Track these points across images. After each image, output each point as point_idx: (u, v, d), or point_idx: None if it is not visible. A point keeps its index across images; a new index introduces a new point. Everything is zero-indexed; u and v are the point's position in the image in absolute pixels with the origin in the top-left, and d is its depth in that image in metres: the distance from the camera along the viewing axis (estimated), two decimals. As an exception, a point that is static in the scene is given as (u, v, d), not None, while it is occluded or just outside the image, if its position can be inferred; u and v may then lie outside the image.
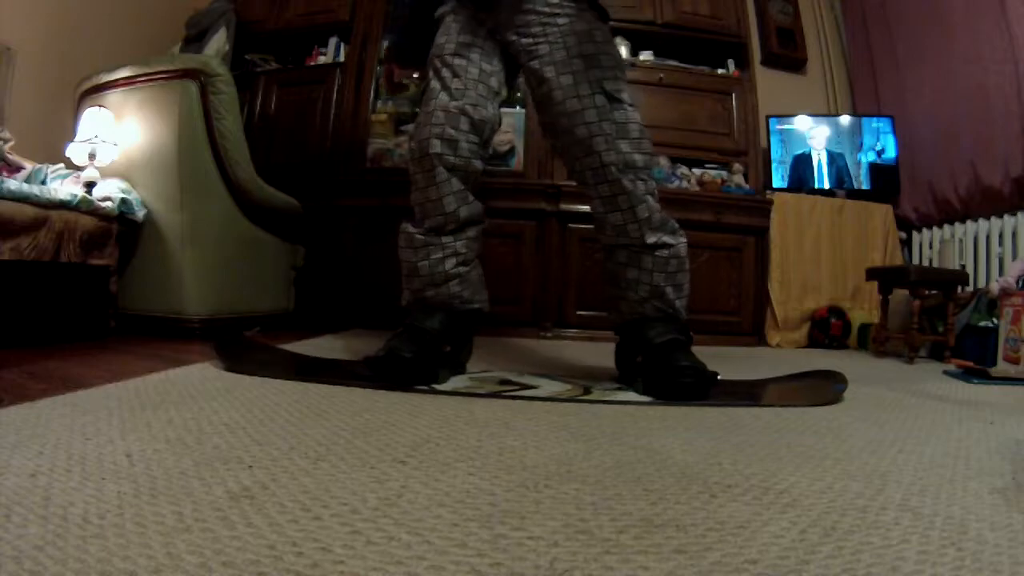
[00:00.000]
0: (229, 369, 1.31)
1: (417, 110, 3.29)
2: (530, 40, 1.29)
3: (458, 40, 1.29)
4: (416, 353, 1.20)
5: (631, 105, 1.27)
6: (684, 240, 1.32)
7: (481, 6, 1.30)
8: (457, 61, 1.27)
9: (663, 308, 1.29)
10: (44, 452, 0.67)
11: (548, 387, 1.28)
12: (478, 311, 1.36)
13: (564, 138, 1.29)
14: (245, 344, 1.67)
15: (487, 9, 1.30)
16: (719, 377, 1.21)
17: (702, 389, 1.19)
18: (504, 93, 1.34)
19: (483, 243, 1.37)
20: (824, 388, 1.31)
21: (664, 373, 1.20)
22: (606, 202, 1.28)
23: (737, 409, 1.12)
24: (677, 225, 1.32)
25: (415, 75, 2.80)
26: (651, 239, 1.27)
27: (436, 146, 1.23)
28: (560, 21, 1.28)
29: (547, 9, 1.27)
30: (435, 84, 1.28)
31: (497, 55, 1.31)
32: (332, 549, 0.46)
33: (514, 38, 1.30)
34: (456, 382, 1.26)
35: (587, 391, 1.24)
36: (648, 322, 1.29)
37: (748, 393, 1.34)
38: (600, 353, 2.13)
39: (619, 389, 1.28)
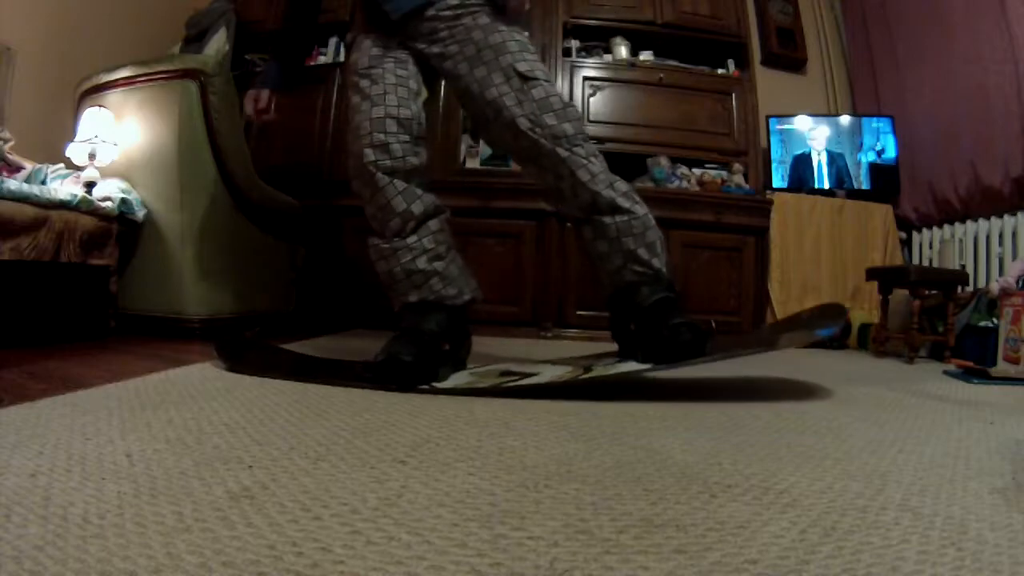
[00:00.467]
0: (229, 369, 1.31)
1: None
2: (440, 45, 1.34)
3: (371, 54, 1.33)
4: (415, 355, 1.20)
5: (547, 80, 1.31)
6: (645, 209, 1.33)
7: (387, 30, 1.34)
8: (374, 72, 1.31)
9: (642, 271, 1.30)
10: (44, 452, 0.67)
11: (549, 372, 1.28)
12: (471, 302, 1.35)
13: (494, 128, 1.32)
14: (245, 344, 1.67)
15: (392, 33, 1.34)
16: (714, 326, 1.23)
17: (699, 345, 1.21)
18: (424, 94, 1.38)
19: (451, 233, 1.37)
20: (815, 323, 1.33)
21: (660, 335, 1.21)
22: (550, 175, 1.31)
23: (737, 409, 1.12)
24: (637, 196, 1.34)
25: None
26: (604, 194, 1.28)
27: (369, 155, 1.27)
28: (464, 21, 1.33)
29: (449, 13, 1.32)
30: (356, 98, 1.32)
31: (411, 61, 1.36)
32: (332, 549, 0.46)
33: (423, 46, 1.35)
34: (457, 379, 1.26)
35: (588, 370, 1.25)
36: (633, 288, 1.30)
37: (741, 343, 1.36)
38: (599, 350, 2.13)
39: (619, 362, 1.28)
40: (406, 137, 1.29)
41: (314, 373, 1.29)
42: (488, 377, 1.27)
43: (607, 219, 1.29)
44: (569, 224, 1.40)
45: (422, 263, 1.28)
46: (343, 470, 0.65)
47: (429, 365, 1.22)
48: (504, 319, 2.75)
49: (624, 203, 1.29)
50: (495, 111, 1.29)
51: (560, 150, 1.27)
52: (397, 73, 1.32)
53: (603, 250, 1.32)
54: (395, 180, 1.28)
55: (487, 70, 1.29)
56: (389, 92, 1.29)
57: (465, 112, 1.40)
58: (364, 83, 1.31)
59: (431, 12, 1.32)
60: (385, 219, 1.29)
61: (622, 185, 1.32)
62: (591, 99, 3.06)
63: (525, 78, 1.28)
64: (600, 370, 1.23)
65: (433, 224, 1.31)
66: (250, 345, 1.68)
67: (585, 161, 1.28)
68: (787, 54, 3.44)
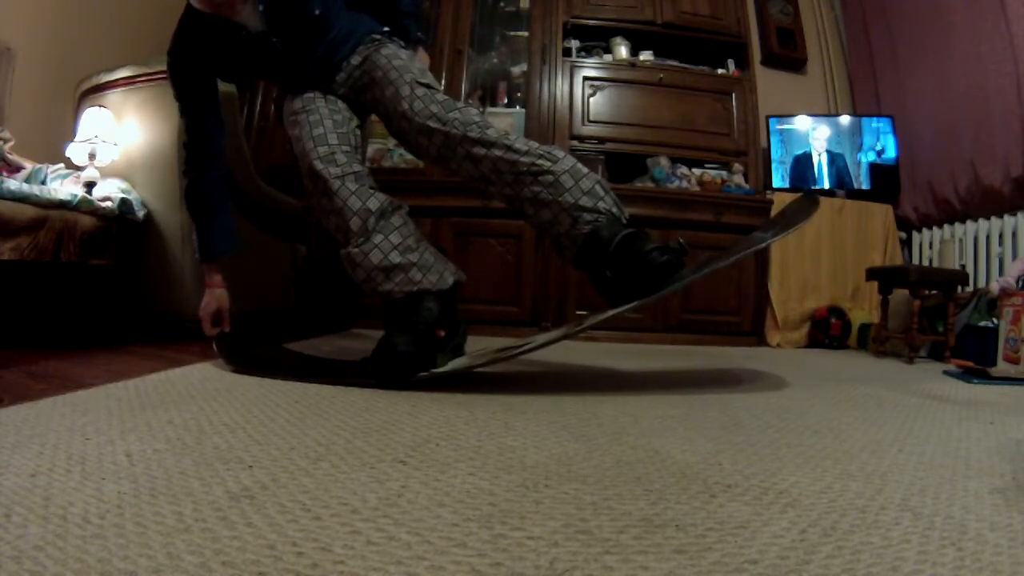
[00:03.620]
0: (230, 369, 1.31)
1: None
2: (353, 85, 1.47)
3: (303, 97, 1.44)
4: (411, 344, 1.21)
5: (439, 90, 1.43)
6: (570, 161, 1.33)
7: (311, 87, 1.45)
8: (308, 108, 1.42)
9: (594, 217, 1.30)
10: (44, 452, 0.67)
11: (543, 337, 1.32)
12: (456, 285, 1.36)
13: (411, 136, 1.40)
14: (246, 344, 1.66)
15: (316, 88, 1.45)
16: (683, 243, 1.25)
17: (677, 261, 1.22)
18: (356, 120, 1.48)
19: (418, 224, 1.41)
20: (791, 219, 1.36)
21: (636, 268, 1.22)
22: (469, 163, 1.35)
23: (737, 409, 1.12)
24: (556, 153, 1.34)
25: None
26: (524, 160, 1.30)
27: (318, 164, 1.34)
28: (373, 58, 1.46)
29: (356, 61, 1.46)
30: (296, 131, 1.41)
31: (338, 99, 1.47)
32: (332, 549, 0.46)
33: (343, 92, 1.48)
34: (456, 364, 1.27)
35: (581, 323, 1.28)
36: (593, 237, 1.29)
37: (720, 256, 1.41)
38: (601, 351, 2.13)
39: (610, 311, 1.29)
40: (347, 148, 1.38)
41: (314, 373, 1.29)
42: (486, 355, 1.29)
43: (536, 187, 1.31)
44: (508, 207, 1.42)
45: (395, 258, 1.29)
46: (343, 470, 0.65)
47: (426, 353, 1.23)
48: (504, 319, 2.75)
49: (544, 164, 1.31)
50: (408, 120, 1.37)
51: (472, 132, 1.33)
52: (329, 107, 1.43)
53: (548, 217, 1.32)
54: (345, 182, 1.33)
55: (395, 87, 1.40)
56: (325, 118, 1.41)
57: (387, 128, 1.50)
58: (301, 117, 1.41)
59: (340, 72, 1.46)
60: (345, 222, 1.32)
61: (536, 147, 1.34)
62: (591, 99, 3.06)
63: (429, 87, 1.39)
64: (593, 320, 1.25)
65: (395, 220, 1.33)
66: (250, 345, 1.68)
67: (496, 137, 1.33)
68: (787, 54, 3.44)
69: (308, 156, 1.35)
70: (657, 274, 1.20)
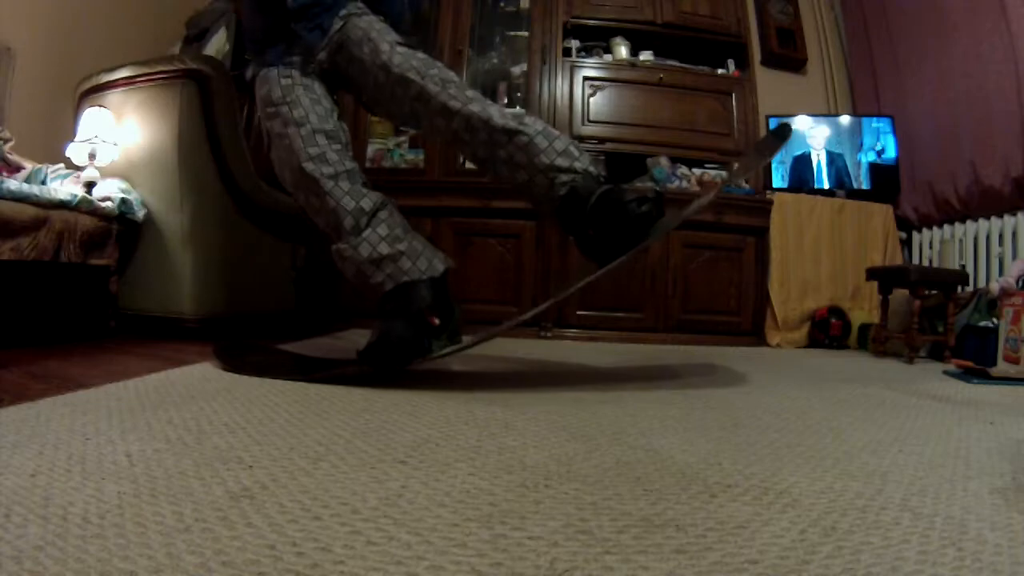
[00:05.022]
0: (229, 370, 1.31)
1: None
2: (331, 48, 1.46)
3: (281, 85, 1.42)
4: (405, 331, 1.22)
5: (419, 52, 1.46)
6: (541, 123, 1.36)
7: (308, 55, 1.45)
8: (289, 99, 1.40)
9: (570, 177, 1.30)
10: (44, 452, 0.67)
11: (534, 309, 1.38)
12: (446, 272, 1.36)
13: (393, 88, 1.39)
14: (244, 346, 1.67)
15: (309, 56, 1.45)
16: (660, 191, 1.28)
17: (657, 208, 1.23)
18: (336, 109, 1.47)
19: (418, 224, 1.43)
20: (762, 148, 1.45)
21: (616, 222, 1.22)
22: (440, 119, 1.36)
23: (737, 409, 1.12)
24: (526, 118, 1.36)
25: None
26: (498, 121, 1.32)
27: (308, 166, 1.33)
28: (353, 21, 1.46)
29: (338, 26, 1.46)
30: (277, 125, 1.39)
31: (316, 83, 1.45)
32: (332, 549, 0.46)
33: (322, 57, 1.46)
34: (451, 347, 1.29)
35: (569, 287, 1.31)
36: (571, 196, 1.30)
37: (698, 194, 1.44)
38: (601, 351, 2.14)
39: (600, 270, 1.29)
40: (337, 146, 1.38)
41: (311, 369, 1.29)
42: (480, 336, 1.31)
43: (510, 148, 1.32)
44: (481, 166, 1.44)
45: (384, 249, 1.30)
46: (343, 470, 0.65)
47: (421, 340, 1.23)
48: (504, 319, 2.74)
49: (514, 124, 1.32)
50: (386, 71, 1.38)
51: (449, 88, 1.35)
52: (310, 97, 1.41)
53: (524, 179, 1.33)
54: (339, 182, 1.33)
55: (375, 44, 1.41)
56: (309, 112, 1.39)
57: (369, 98, 1.51)
58: (283, 110, 1.39)
59: (324, 39, 1.46)
60: (338, 221, 1.32)
61: (507, 111, 1.37)
62: (591, 99, 3.06)
63: (410, 46, 1.42)
64: (582, 281, 1.27)
65: (382, 214, 1.34)
66: (249, 347, 1.68)
67: (473, 96, 1.36)
68: (787, 54, 3.44)
69: (297, 156, 1.34)
70: (638, 224, 1.21)
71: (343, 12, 1.46)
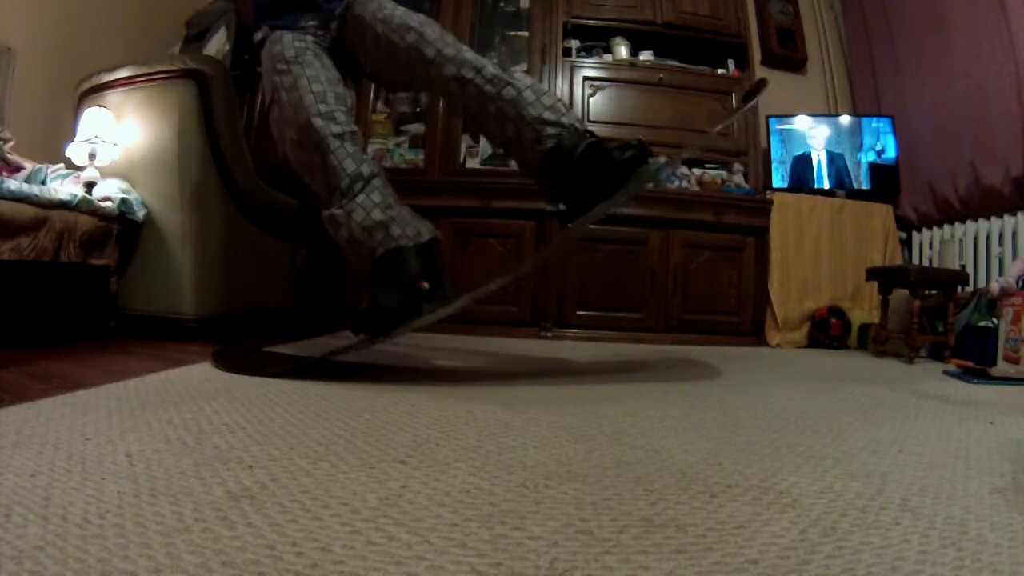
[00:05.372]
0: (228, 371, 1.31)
1: (418, 109, 3.25)
2: (343, 18, 1.50)
3: (295, 46, 1.44)
4: (397, 296, 1.24)
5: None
6: (529, 79, 1.40)
7: (323, 23, 1.49)
8: (302, 58, 1.43)
9: (557, 131, 1.33)
10: (44, 452, 0.67)
11: (529, 262, 1.41)
12: (433, 240, 1.37)
13: (391, 35, 1.43)
14: (243, 349, 1.66)
15: (327, 23, 1.49)
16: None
17: (643, 152, 1.24)
18: (343, 80, 1.50)
19: (395, 188, 1.43)
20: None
21: (601, 168, 1.23)
22: (438, 66, 1.39)
23: (737, 409, 1.12)
24: (515, 74, 1.40)
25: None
26: (486, 64, 1.38)
27: (318, 122, 1.34)
28: None
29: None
30: (287, 80, 1.40)
31: (325, 55, 1.48)
32: (332, 549, 0.46)
33: (335, 26, 1.50)
34: (441, 311, 1.28)
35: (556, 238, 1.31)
36: (557, 150, 1.32)
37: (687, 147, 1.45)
38: (601, 351, 2.13)
39: (585, 217, 1.29)
40: (344, 108, 1.40)
41: (311, 371, 1.29)
42: (468, 295, 1.32)
43: (499, 102, 1.35)
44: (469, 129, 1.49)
45: (377, 215, 1.32)
46: (343, 470, 0.65)
47: (412, 304, 1.25)
48: (504, 319, 2.75)
49: (505, 76, 1.37)
50: (387, 23, 1.43)
51: (447, 40, 1.42)
52: (321, 62, 1.44)
53: (512, 132, 1.36)
54: (344, 143, 1.35)
55: (378, 2, 1.47)
56: (320, 73, 1.41)
57: (362, 61, 1.54)
58: (295, 68, 1.41)
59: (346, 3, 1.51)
60: (335, 183, 1.34)
61: (498, 67, 1.41)
62: (591, 99, 3.06)
63: (426, 16, 1.47)
64: (571, 232, 1.29)
65: (376, 181, 1.36)
66: (248, 349, 1.68)
67: (467, 48, 1.42)
68: (787, 54, 3.44)
69: (306, 111, 1.35)
70: (624, 168, 1.22)
71: None
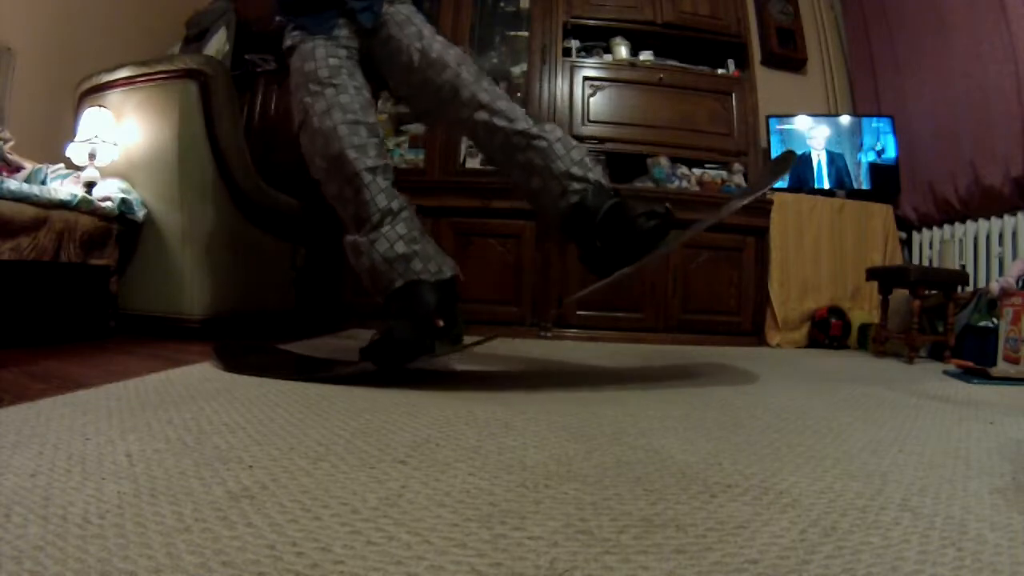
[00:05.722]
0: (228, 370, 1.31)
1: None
2: (374, 35, 1.49)
3: (328, 64, 1.40)
4: (410, 330, 1.23)
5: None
6: (559, 131, 1.41)
7: (363, 32, 1.46)
8: (336, 81, 1.39)
9: (583, 187, 1.33)
10: (44, 452, 0.67)
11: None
12: (454, 278, 1.37)
13: (427, 70, 1.44)
14: (244, 347, 1.67)
15: (330, 40, 1.43)
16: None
17: (664, 226, 1.25)
18: (374, 102, 1.54)
19: (422, 220, 1.43)
20: (773, 170, 1.48)
21: (624, 234, 1.24)
22: (466, 110, 1.41)
23: (737, 409, 1.12)
24: (546, 125, 1.42)
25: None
26: (518, 112, 1.39)
27: (352, 154, 1.32)
28: (397, 6, 1.52)
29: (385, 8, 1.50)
30: (320, 104, 1.36)
31: (358, 72, 1.45)
32: (332, 549, 0.46)
33: (369, 41, 1.49)
34: (453, 349, 1.31)
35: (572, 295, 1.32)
36: (580, 207, 1.33)
37: (708, 216, 1.48)
38: (601, 351, 2.13)
39: (601, 281, 1.30)
40: (376, 140, 1.38)
41: (312, 370, 1.29)
42: (482, 337, 1.34)
43: (529, 153, 1.35)
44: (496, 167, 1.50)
45: (400, 247, 1.31)
46: (343, 470, 0.65)
47: (424, 340, 1.24)
48: (504, 319, 2.75)
49: (536, 129, 1.37)
50: (423, 54, 1.44)
51: (484, 82, 1.43)
52: (354, 84, 1.41)
53: (538, 185, 1.37)
54: (377, 178, 1.33)
55: (417, 27, 1.48)
56: (354, 100, 1.38)
57: (390, 82, 1.55)
58: (329, 91, 1.38)
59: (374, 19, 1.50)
60: (366, 215, 1.33)
61: (530, 118, 1.41)
62: (591, 99, 3.06)
63: (448, 39, 1.49)
64: (590, 289, 1.30)
65: (404, 214, 1.36)
66: (248, 348, 1.68)
67: (502, 94, 1.43)
68: (787, 54, 3.44)
69: (340, 141, 1.33)
70: (646, 239, 1.23)
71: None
